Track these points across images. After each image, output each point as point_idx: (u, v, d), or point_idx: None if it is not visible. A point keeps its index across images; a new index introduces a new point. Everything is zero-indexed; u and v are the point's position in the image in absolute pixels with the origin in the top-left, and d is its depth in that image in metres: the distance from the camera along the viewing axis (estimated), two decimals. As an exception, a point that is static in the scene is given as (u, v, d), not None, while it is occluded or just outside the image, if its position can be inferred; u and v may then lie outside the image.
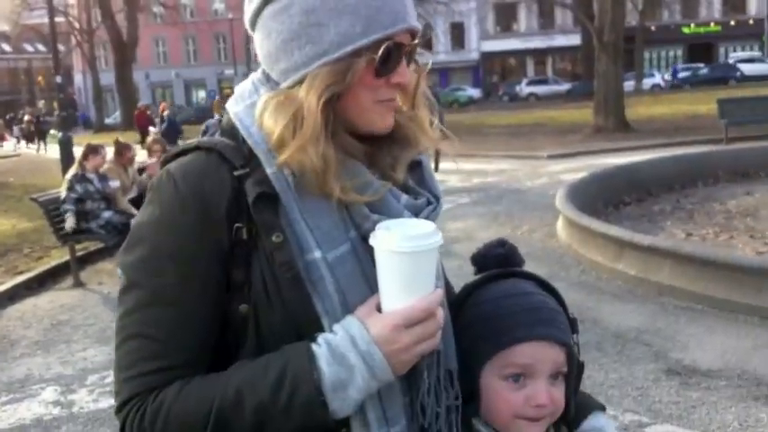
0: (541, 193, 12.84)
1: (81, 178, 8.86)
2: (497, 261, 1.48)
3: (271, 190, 1.21)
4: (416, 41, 1.29)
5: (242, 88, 1.35)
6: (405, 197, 1.30)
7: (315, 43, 1.22)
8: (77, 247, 9.21)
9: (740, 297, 6.18)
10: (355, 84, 1.22)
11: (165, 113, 26.61)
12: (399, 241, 1.16)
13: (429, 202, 1.34)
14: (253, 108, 1.28)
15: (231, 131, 1.29)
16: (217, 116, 15.97)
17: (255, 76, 1.35)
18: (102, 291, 8.48)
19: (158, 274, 1.20)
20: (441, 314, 1.21)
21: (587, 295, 7.05)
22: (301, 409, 1.15)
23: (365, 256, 1.23)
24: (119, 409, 1.21)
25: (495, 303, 1.39)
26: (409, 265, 1.16)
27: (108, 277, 8.89)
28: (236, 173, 1.23)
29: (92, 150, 9.19)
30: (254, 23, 1.31)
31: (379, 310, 1.19)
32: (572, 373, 1.40)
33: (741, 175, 12.03)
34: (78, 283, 8.86)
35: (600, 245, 7.90)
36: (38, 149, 37.54)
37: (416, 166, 1.38)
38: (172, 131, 22.58)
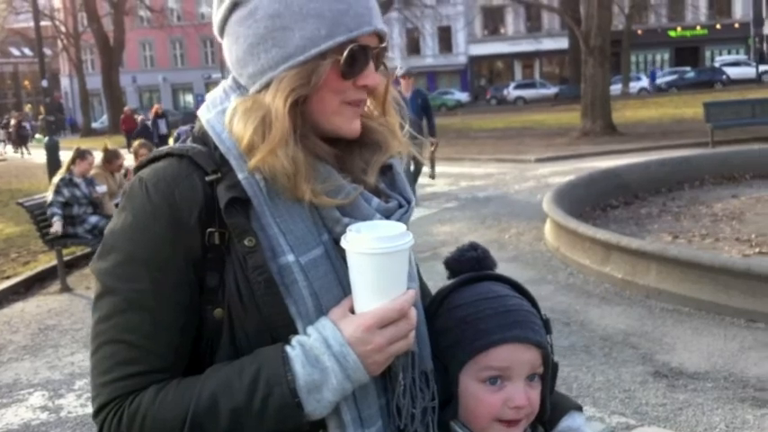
0: (529, 197, 12.89)
1: (68, 182, 8.85)
2: (471, 264, 1.49)
3: (242, 195, 1.22)
4: (384, 45, 1.30)
5: (213, 95, 1.36)
6: (376, 200, 1.32)
7: (280, 47, 1.24)
8: (64, 251, 9.18)
9: (726, 299, 6.22)
10: (322, 86, 1.24)
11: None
12: (370, 243, 1.17)
13: (400, 205, 1.35)
14: (224, 114, 1.29)
15: (203, 138, 1.30)
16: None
17: (226, 82, 1.36)
18: (89, 295, 8.43)
19: (132, 280, 1.21)
20: (414, 314, 1.23)
21: (575, 298, 7.08)
22: (276, 412, 1.16)
23: (338, 260, 1.24)
24: (96, 414, 1.23)
25: (469, 307, 1.40)
26: (380, 266, 1.18)
27: (95, 281, 8.84)
28: (207, 178, 1.24)
29: (80, 155, 9.17)
30: (222, 29, 1.33)
31: (352, 311, 1.21)
32: (547, 373, 1.42)
33: (727, 179, 12.10)
34: (65, 288, 8.83)
35: (587, 248, 7.94)
36: (21, 154, 37.37)
37: (388, 170, 1.39)
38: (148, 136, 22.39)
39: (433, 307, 1.44)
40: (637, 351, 5.65)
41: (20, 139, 39.96)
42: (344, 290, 1.23)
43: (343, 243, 1.20)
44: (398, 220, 1.30)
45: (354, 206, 1.28)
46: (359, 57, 1.25)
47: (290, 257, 1.22)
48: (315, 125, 1.28)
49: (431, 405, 1.33)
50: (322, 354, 1.17)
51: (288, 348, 1.18)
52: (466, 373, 1.37)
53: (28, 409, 5.43)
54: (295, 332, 1.21)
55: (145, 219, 1.22)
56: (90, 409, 4.52)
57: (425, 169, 13.16)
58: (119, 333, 1.21)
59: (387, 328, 1.18)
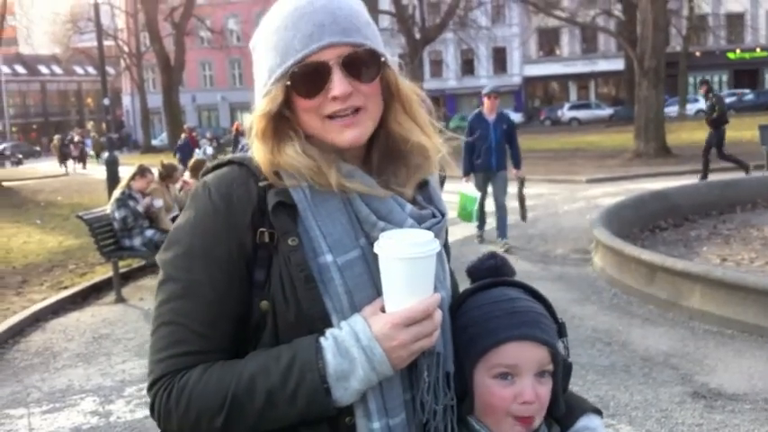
0: (578, 218, 12.84)
1: (128, 197, 9.17)
2: (489, 272, 1.60)
3: (289, 200, 1.38)
4: (360, 50, 1.38)
5: None
6: (409, 206, 1.44)
7: (258, 79, 1.43)
8: (120, 263, 9.47)
9: (771, 322, 6.17)
10: (297, 108, 1.40)
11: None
12: (400, 249, 1.30)
13: (434, 215, 1.48)
14: None
15: None
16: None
17: None
18: (142, 306, 8.70)
19: (190, 270, 1.38)
20: (438, 316, 1.35)
21: (618, 318, 7.08)
22: (306, 395, 1.29)
23: (373, 262, 1.35)
24: (150, 387, 1.38)
25: (483, 309, 1.51)
26: (408, 270, 1.30)
27: (149, 293, 9.11)
28: (261, 184, 1.40)
29: (141, 172, 9.51)
30: None
31: (383, 310, 1.33)
32: (558, 371, 1.51)
33: (780, 202, 11.90)
34: (120, 299, 9.10)
35: (632, 269, 7.92)
36: (76, 169, 38.43)
37: (425, 185, 1.52)
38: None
39: (453, 310, 1.54)
40: (677, 372, 5.64)
41: (80, 156, 41.55)
42: (377, 290, 1.35)
43: (376, 248, 1.33)
44: (430, 228, 1.41)
45: (389, 211, 1.40)
46: (307, 74, 1.37)
47: (329, 258, 1.36)
48: (314, 137, 1.42)
49: (451, 403, 1.44)
50: (351, 346, 1.30)
51: (321, 339, 1.32)
52: (479, 371, 1.47)
53: (79, 414, 5.64)
54: (330, 326, 1.34)
55: (205, 217, 1.39)
56: (138, 415, 4.77)
57: (512, 204, 10.95)
58: (175, 316, 1.37)
59: (412, 327, 1.30)
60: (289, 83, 1.37)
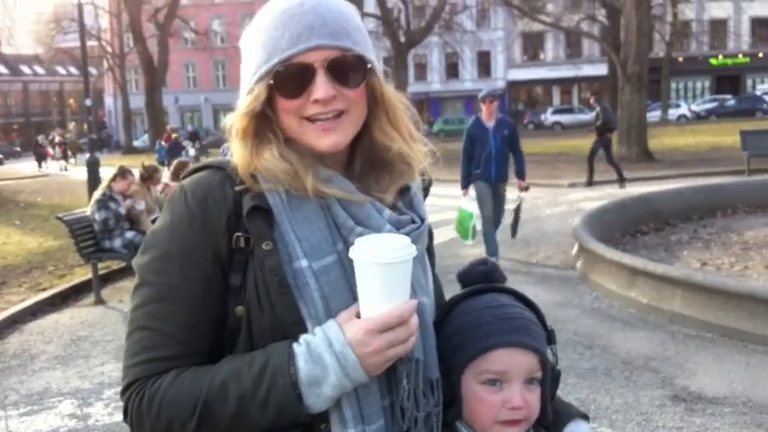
0: (560, 221, 12.87)
1: (109, 198, 9.10)
2: (480, 277, 1.59)
3: (264, 204, 1.36)
4: (343, 55, 1.36)
5: None
6: (388, 212, 1.42)
7: (244, 77, 1.42)
8: (100, 265, 9.40)
9: (751, 326, 6.19)
10: (279, 108, 1.38)
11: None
12: (375, 253, 1.27)
13: (413, 221, 1.46)
14: None
15: None
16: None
17: None
18: (122, 308, 8.63)
19: (165, 274, 1.36)
20: (414, 322, 1.32)
21: (599, 322, 7.09)
22: (278, 401, 1.27)
23: (351, 267, 1.33)
24: (123, 392, 1.37)
25: (472, 315, 1.50)
26: (383, 275, 1.28)
27: (128, 295, 8.93)
28: (237, 188, 1.38)
29: (122, 173, 9.43)
30: None
31: (359, 316, 1.31)
32: (547, 379, 1.50)
33: (760, 207, 11.95)
34: (99, 301, 9.03)
35: (613, 272, 7.95)
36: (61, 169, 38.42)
37: (406, 192, 1.50)
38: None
39: (442, 315, 1.53)
40: (657, 375, 5.65)
41: (63, 156, 41.75)
42: (354, 295, 1.33)
43: (351, 253, 1.30)
44: (409, 233, 1.39)
45: (366, 216, 1.39)
46: (291, 74, 1.35)
47: (304, 263, 1.34)
48: (293, 141, 1.41)
49: (435, 411, 1.41)
50: (324, 352, 1.27)
51: (294, 345, 1.30)
52: (467, 376, 1.46)
53: (57, 417, 5.58)
54: (305, 331, 1.32)
55: (181, 221, 1.38)
56: (116, 419, 4.71)
57: (506, 221, 10.25)
58: (149, 320, 1.36)
59: (386, 333, 1.28)
60: (272, 82, 1.35)
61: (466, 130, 9.76)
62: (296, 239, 1.35)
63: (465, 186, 9.53)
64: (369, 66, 1.40)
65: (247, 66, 1.41)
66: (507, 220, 10.34)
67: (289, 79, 1.35)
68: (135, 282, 1.40)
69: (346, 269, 1.35)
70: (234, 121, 1.40)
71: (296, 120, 1.37)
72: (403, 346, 1.30)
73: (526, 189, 10.07)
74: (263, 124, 1.39)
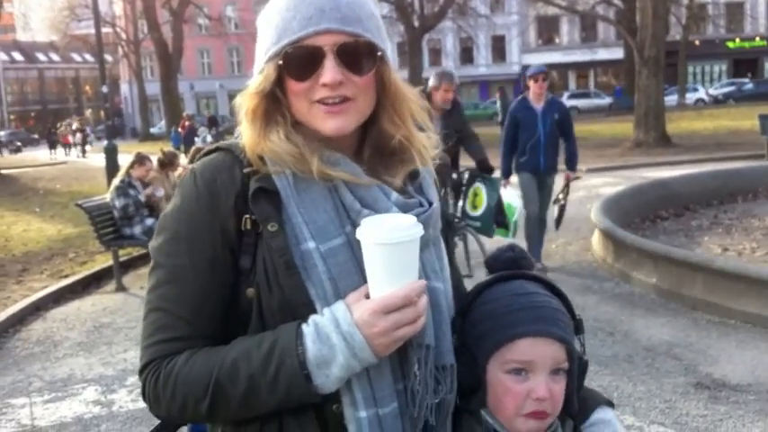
0: (578, 207, 12.77)
1: (128, 185, 9.15)
2: (507, 264, 1.58)
3: (271, 186, 1.37)
4: (354, 41, 1.36)
5: None
6: (395, 194, 1.42)
7: (257, 57, 1.43)
8: (120, 252, 9.45)
9: (773, 312, 6.16)
10: (288, 90, 1.39)
11: None
12: (379, 233, 1.27)
13: (421, 204, 1.46)
14: None
15: None
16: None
17: None
18: (143, 295, 8.56)
19: (175, 255, 1.39)
20: (422, 303, 1.32)
21: (620, 308, 7.07)
22: (287, 381, 1.29)
23: (359, 249, 1.33)
24: (140, 372, 1.39)
25: (499, 302, 1.49)
26: (388, 255, 1.28)
27: (149, 282, 9.08)
28: (245, 170, 1.40)
29: (140, 160, 9.49)
30: None
31: (367, 297, 1.31)
32: (573, 369, 1.49)
33: (781, 192, 11.89)
34: (121, 288, 9.08)
35: (634, 258, 7.91)
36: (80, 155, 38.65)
37: (415, 176, 1.50)
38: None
39: (468, 301, 1.53)
40: (680, 362, 5.64)
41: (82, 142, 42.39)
42: (363, 277, 1.33)
43: (357, 233, 1.31)
44: (417, 215, 1.38)
45: (373, 199, 1.39)
46: (300, 56, 1.36)
47: (311, 244, 1.35)
48: (301, 124, 1.41)
49: (448, 397, 1.41)
50: (331, 332, 1.28)
51: (303, 325, 1.31)
52: (493, 364, 1.45)
53: (81, 403, 5.63)
54: (314, 312, 1.33)
55: (189, 202, 1.40)
56: (140, 404, 4.73)
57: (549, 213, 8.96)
58: (161, 302, 1.38)
59: (392, 314, 1.28)
60: (281, 62, 1.36)
61: (509, 112, 8.69)
62: (303, 222, 1.36)
63: (507, 176, 8.50)
64: (379, 54, 1.40)
65: (260, 46, 1.42)
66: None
67: (298, 61, 1.35)
68: (150, 264, 1.43)
69: (355, 251, 1.35)
70: (243, 101, 1.41)
71: (305, 102, 1.38)
72: (411, 327, 1.30)
73: (571, 179, 8.88)
74: (273, 106, 1.40)
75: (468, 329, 1.48)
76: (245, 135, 1.41)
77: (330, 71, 1.34)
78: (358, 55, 1.37)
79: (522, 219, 8.57)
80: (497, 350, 1.45)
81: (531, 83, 8.35)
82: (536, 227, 8.56)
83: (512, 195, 8.43)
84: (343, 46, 1.35)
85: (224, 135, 32.49)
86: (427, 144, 1.49)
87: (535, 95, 8.31)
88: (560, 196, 8.92)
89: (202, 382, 1.32)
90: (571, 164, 8.71)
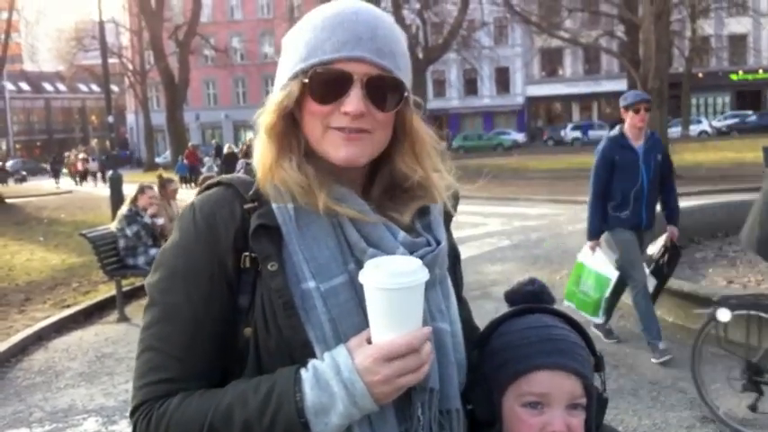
0: (582, 238, 12.69)
1: (135, 214, 9.19)
2: (527, 298, 1.57)
3: (272, 222, 1.33)
4: (384, 75, 1.33)
5: None
6: (402, 234, 1.38)
7: (280, 74, 1.39)
8: (123, 282, 9.43)
9: (779, 346, 6.10)
10: (306, 110, 1.35)
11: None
12: (383, 278, 1.23)
13: (428, 244, 1.41)
14: None
15: (253, 170, 1.42)
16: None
17: None
18: (145, 325, 8.63)
19: (170, 293, 1.34)
20: (426, 350, 1.27)
21: (625, 341, 7.02)
22: (283, 429, 1.24)
23: (362, 288, 1.28)
24: (131, 414, 1.35)
25: (516, 335, 1.48)
26: (391, 301, 1.23)
27: (152, 312, 9.05)
28: (246, 206, 1.36)
29: (141, 190, 9.56)
30: None
31: (369, 341, 1.27)
32: (592, 405, 1.46)
33: (786, 224, 11.83)
34: (123, 318, 9.06)
35: (638, 291, 7.85)
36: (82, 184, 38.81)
37: (426, 213, 1.46)
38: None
39: (485, 334, 1.51)
40: (685, 396, 5.59)
41: (84, 173, 42.59)
42: (365, 317, 1.28)
43: (360, 277, 1.26)
44: (423, 257, 1.35)
45: (379, 238, 1.35)
46: (328, 79, 1.32)
47: (311, 284, 1.31)
48: (313, 151, 1.37)
49: None
50: (331, 379, 1.24)
51: (302, 370, 1.26)
52: (508, 398, 1.43)
53: (83, 434, 5.59)
54: (313, 355, 1.28)
55: (188, 238, 1.36)
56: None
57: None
58: (155, 341, 1.34)
59: (395, 362, 1.23)
60: (306, 81, 1.32)
61: (600, 151, 6.76)
62: (303, 259, 1.32)
63: (597, 235, 6.83)
64: (405, 94, 1.37)
65: (286, 61, 1.38)
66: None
67: (324, 83, 1.31)
68: (147, 301, 1.39)
69: (357, 290, 1.31)
70: (263, 118, 1.37)
71: (320, 127, 1.34)
72: (414, 375, 1.25)
73: (672, 237, 6.98)
74: (290, 128, 1.36)
75: (484, 362, 1.47)
76: (263, 156, 1.36)
77: (355, 101, 1.30)
78: (385, 90, 1.33)
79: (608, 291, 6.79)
80: (513, 382, 1.43)
81: (629, 114, 6.51)
82: (647, 296, 6.63)
83: (602, 262, 6.83)
84: (373, 78, 1.32)
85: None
86: (441, 184, 1.46)
87: (635, 131, 6.51)
88: (660, 260, 6.89)
89: (195, 426, 1.27)
90: (673, 218, 6.96)
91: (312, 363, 1.27)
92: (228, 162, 29.04)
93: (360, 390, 1.23)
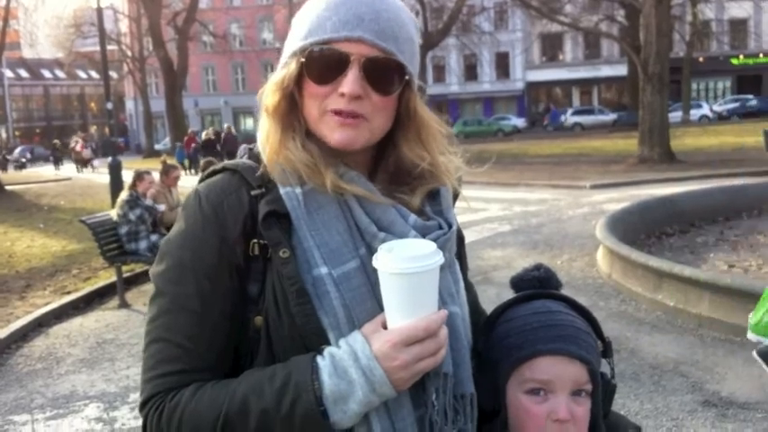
0: (582, 223, 12.79)
1: (136, 200, 9.18)
2: (533, 283, 1.54)
3: (281, 209, 1.30)
4: (384, 57, 1.30)
5: None
6: (413, 217, 1.35)
7: (284, 53, 1.36)
8: (124, 268, 9.43)
9: (781, 330, 6.10)
10: (305, 91, 1.33)
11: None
12: (398, 263, 1.20)
13: (440, 227, 1.39)
14: None
15: (258, 155, 1.39)
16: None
17: None
18: (146, 311, 8.63)
19: (179, 283, 1.31)
20: (443, 334, 1.25)
21: (626, 325, 7.02)
22: (302, 417, 1.21)
23: (374, 272, 1.26)
24: (141, 407, 1.31)
25: (519, 320, 1.45)
26: (407, 286, 1.21)
27: (152, 299, 9.07)
28: (253, 193, 1.33)
29: (138, 177, 9.53)
30: None
31: (385, 327, 1.24)
32: (597, 391, 1.43)
33: (786, 208, 11.84)
34: (124, 304, 9.05)
35: (639, 275, 7.87)
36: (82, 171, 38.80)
37: (435, 196, 1.43)
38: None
39: (490, 321, 1.49)
40: (687, 380, 5.59)
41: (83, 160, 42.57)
42: (379, 302, 1.26)
43: (374, 262, 1.24)
44: (435, 240, 1.32)
45: (390, 222, 1.32)
46: (325, 59, 1.29)
47: (324, 270, 1.27)
48: (313, 133, 1.35)
49: (467, 427, 1.34)
50: (350, 366, 1.21)
51: (318, 358, 1.23)
52: (512, 385, 1.41)
53: (83, 420, 5.59)
54: (326, 342, 1.25)
55: (194, 227, 1.32)
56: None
57: None
58: (164, 332, 1.30)
59: (413, 346, 1.21)
60: (303, 60, 1.30)
61: None
62: (314, 245, 1.29)
63: None
64: (406, 77, 1.34)
65: (289, 41, 1.36)
66: None
67: (321, 63, 1.29)
68: (152, 292, 1.36)
69: (369, 275, 1.28)
70: (266, 97, 1.35)
71: (317, 109, 1.31)
72: (432, 359, 1.23)
73: None
74: (291, 110, 1.34)
75: (488, 349, 1.44)
76: (269, 137, 1.34)
77: (351, 82, 1.27)
78: (384, 73, 1.30)
79: None
80: (516, 369, 1.40)
81: None
82: None
83: None
84: (371, 60, 1.29)
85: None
86: (450, 167, 1.43)
87: None
88: None
89: (211, 417, 1.24)
90: None
91: (328, 350, 1.24)
92: (207, 147, 29.30)
93: (379, 376, 1.20)
